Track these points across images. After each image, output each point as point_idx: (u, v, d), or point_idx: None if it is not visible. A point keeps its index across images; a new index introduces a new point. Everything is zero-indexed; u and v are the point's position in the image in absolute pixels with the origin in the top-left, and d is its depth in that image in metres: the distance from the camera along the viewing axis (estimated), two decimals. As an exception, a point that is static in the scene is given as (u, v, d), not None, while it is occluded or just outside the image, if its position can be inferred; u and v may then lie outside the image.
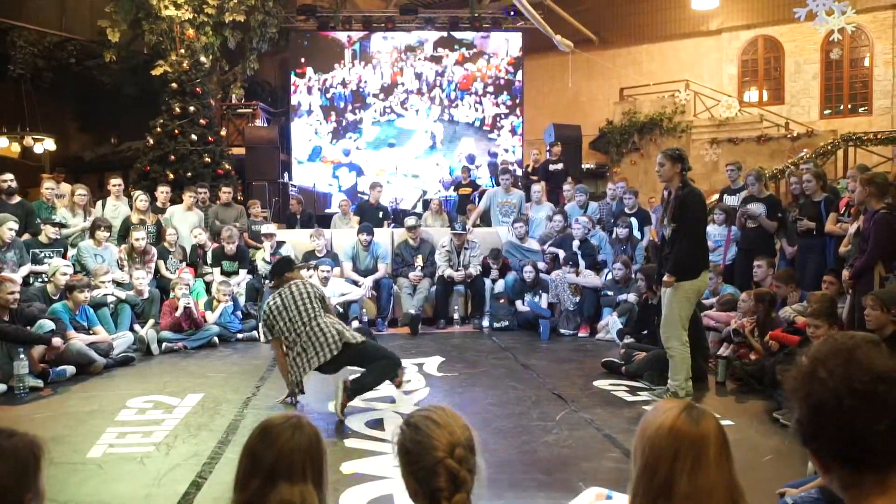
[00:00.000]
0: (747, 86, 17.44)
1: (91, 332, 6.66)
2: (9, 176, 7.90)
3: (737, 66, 17.33)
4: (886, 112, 15.55)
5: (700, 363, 5.71)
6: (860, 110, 16.11)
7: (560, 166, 11.50)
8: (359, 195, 14.81)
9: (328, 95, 15.80)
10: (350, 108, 15.83)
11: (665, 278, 5.07)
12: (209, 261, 8.74)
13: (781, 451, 4.14)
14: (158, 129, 12.19)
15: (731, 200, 8.40)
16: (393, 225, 10.76)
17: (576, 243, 8.64)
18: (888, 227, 4.89)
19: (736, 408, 5.20)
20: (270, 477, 1.61)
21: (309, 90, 15.77)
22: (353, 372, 5.12)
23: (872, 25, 15.54)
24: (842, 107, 16.39)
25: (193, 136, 12.12)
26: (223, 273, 8.57)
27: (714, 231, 8.22)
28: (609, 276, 8.31)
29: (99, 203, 9.21)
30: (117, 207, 9.09)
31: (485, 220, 10.26)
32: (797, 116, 15.90)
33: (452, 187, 13.61)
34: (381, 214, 10.54)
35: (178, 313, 7.38)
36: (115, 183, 9.29)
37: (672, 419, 1.54)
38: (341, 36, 15.86)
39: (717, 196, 9.31)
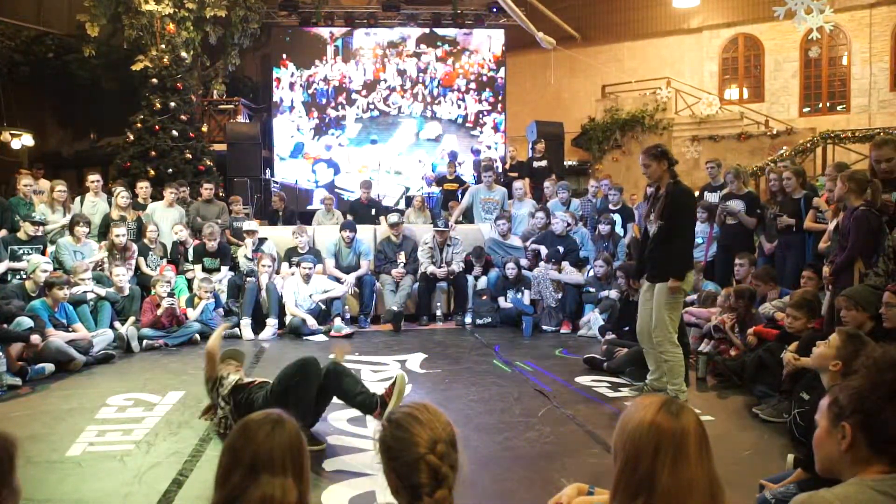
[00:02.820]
0: (728, 83, 17.59)
1: (70, 329, 6.58)
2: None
3: (717, 64, 17.47)
4: (864, 110, 15.74)
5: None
6: (838, 108, 16.30)
7: (544, 163, 11.53)
8: (336, 191, 14.86)
9: (310, 92, 15.74)
10: (332, 104, 15.79)
11: (670, 284, 5.00)
12: (190, 258, 8.68)
13: (761, 446, 4.19)
14: (138, 125, 12.11)
15: (712, 197, 8.46)
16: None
17: (557, 226, 8.71)
18: (867, 224, 4.94)
19: (716, 403, 5.24)
20: (251, 470, 1.60)
21: (291, 86, 15.71)
22: None
23: (850, 24, 15.72)
24: (820, 105, 16.57)
25: (174, 132, 12.05)
26: (205, 270, 8.51)
27: (696, 228, 8.28)
28: (591, 273, 8.34)
29: (77, 199, 9.12)
30: (96, 204, 9.00)
31: (467, 216, 10.26)
32: (777, 114, 16.06)
33: (435, 182, 13.59)
34: (373, 212, 10.48)
35: (159, 312, 7.32)
36: (94, 179, 9.19)
37: (652, 414, 1.56)
38: (323, 32, 15.81)
39: (696, 193, 9.36)
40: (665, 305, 5.08)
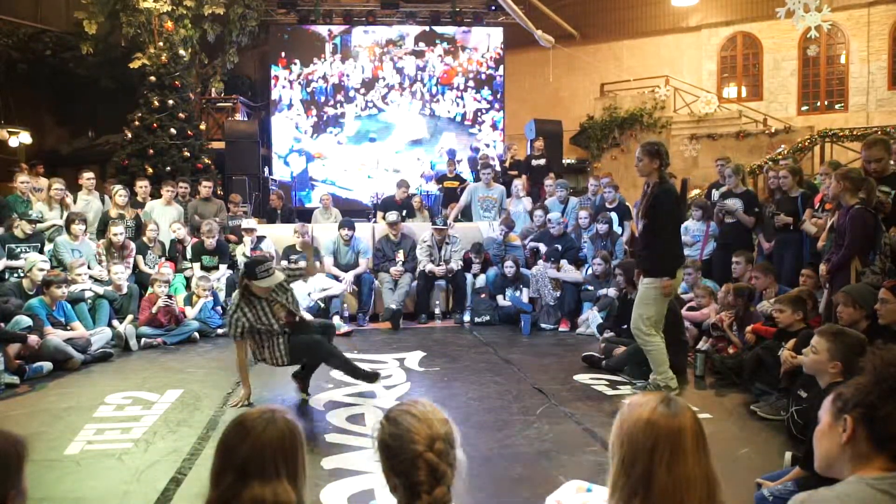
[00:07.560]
0: (726, 82, 17.58)
1: (68, 327, 6.58)
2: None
3: (716, 63, 17.46)
4: (862, 109, 15.75)
5: (679, 357, 5.77)
6: (836, 107, 16.30)
7: (542, 161, 11.52)
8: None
9: (308, 90, 15.72)
10: (331, 102, 15.78)
11: (663, 284, 5.11)
12: (189, 256, 8.67)
13: (758, 444, 4.19)
14: (137, 123, 12.07)
15: (716, 196, 8.44)
16: (373, 220, 10.69)
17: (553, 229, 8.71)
18: (863, 222, 4.95)
19: (714, 401, 5.25)
20: (242, 474, 1.60)
21: (290, 84, 15.69)
22: None
23: (848, 23, 15.72)
24: (819, 103, 16.57)
25: (172, 130, 12.02)
26: (203, 268, 8.51)
27: (692, 226, 8.29)
28: (589, 271, 8.35)
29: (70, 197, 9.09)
30: (89, 202, 8.96)
31: (466, 214, 10.25)
32: (775, 113, 16.06)
33: (435, 180, 13.54)
34: (404, 213, 10.28)
35: (153, 310, 7.31)
36: (88, 177, 9.14)
37: (649, 412, 1.56)
38: (322, 30, 15.79)
39: (698, 191, 9.36)
40: (647, 299, 5.18)
